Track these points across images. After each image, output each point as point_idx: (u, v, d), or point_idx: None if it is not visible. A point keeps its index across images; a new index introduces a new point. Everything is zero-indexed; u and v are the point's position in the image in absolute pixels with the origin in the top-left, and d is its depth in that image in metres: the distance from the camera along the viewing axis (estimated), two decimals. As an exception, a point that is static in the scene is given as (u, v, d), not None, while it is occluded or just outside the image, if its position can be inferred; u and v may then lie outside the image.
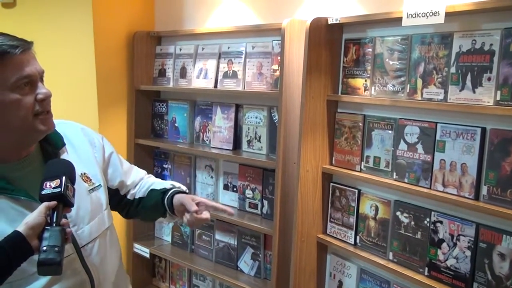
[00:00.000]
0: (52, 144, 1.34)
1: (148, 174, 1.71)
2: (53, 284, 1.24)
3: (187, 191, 1.61)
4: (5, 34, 1.21)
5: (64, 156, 1.35)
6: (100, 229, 1.38)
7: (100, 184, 1.43)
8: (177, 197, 1.52)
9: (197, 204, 1.47)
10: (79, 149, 1.41)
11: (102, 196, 1.43)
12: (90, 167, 1.42)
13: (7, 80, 1.17)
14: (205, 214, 1.46)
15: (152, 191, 1.59)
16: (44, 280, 1.22)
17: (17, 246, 1.08)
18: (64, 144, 1.37)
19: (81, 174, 1.37)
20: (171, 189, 1.58)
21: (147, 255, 2.97)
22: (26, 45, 1.21)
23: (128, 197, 1.61)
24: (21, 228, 1.10)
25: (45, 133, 1.28)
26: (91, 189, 1.39)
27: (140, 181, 1.64)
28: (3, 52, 1.16)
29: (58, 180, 1.15)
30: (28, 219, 1.11)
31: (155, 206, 1.57)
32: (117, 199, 1.59)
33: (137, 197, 1.61)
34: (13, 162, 1.26)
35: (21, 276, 1.17)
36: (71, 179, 1.21)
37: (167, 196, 1.54)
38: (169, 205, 1.53)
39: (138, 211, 1.62)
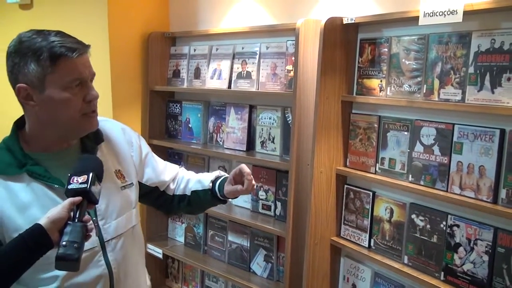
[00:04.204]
0: (92, 139, 1.39)
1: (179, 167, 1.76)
2: (75, 274, 1.26)
3: (222, 175, 1.67)
4: (65, 35, 1.26)
5: (101, 152, 1.40)
6: (127, 227, 1.42)
7: (132, 183, 1.48)
8: (225, 191, 1.58)
9: (238, 176, 1.54)
10: (116, 147, 1.46)
11: (132, 194, 1.47)
12: (125, 165, 1.47)
13: (60, 80, 1.23)
14: (245, 184, 1.52)
15: (197, 192, 1.63)
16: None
17: (38, 238, 1.11)
18: (103, 140, 1.42)
19: (116, 170, 1.43)
20: (214, 185, 1.62)
21: (160, 256, 2.97)
22: (83, 49, 1.27)
23: (168, 192, 1.64)
24: (43, 221, 1.12)
25: (89, 131, 1.35)
26: (123, 186, 1.43)
27: (176, 176, 1.68)
28: (61, 54, 1.21)
29: (85, 176, 1.17)
30: (51, 212, 1.14)
31: (210, 203, 1.66)
32: (156, 195, 1.63)
33: (176, 193, 1.65)
34: (54, 152, 1.32)
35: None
36: (99, 177, 1.23)
37: (219, 193, 1.60)
38: (224, 197, 1.61)
39: (182, 208, 1.67)
